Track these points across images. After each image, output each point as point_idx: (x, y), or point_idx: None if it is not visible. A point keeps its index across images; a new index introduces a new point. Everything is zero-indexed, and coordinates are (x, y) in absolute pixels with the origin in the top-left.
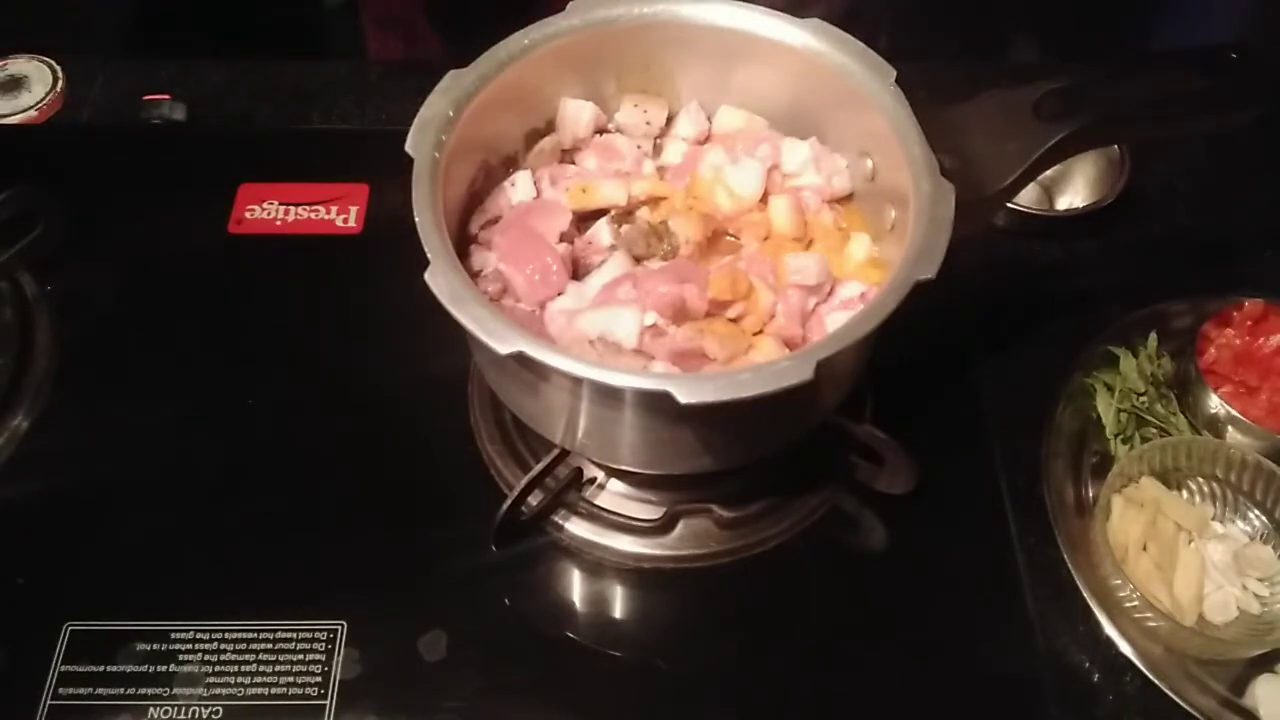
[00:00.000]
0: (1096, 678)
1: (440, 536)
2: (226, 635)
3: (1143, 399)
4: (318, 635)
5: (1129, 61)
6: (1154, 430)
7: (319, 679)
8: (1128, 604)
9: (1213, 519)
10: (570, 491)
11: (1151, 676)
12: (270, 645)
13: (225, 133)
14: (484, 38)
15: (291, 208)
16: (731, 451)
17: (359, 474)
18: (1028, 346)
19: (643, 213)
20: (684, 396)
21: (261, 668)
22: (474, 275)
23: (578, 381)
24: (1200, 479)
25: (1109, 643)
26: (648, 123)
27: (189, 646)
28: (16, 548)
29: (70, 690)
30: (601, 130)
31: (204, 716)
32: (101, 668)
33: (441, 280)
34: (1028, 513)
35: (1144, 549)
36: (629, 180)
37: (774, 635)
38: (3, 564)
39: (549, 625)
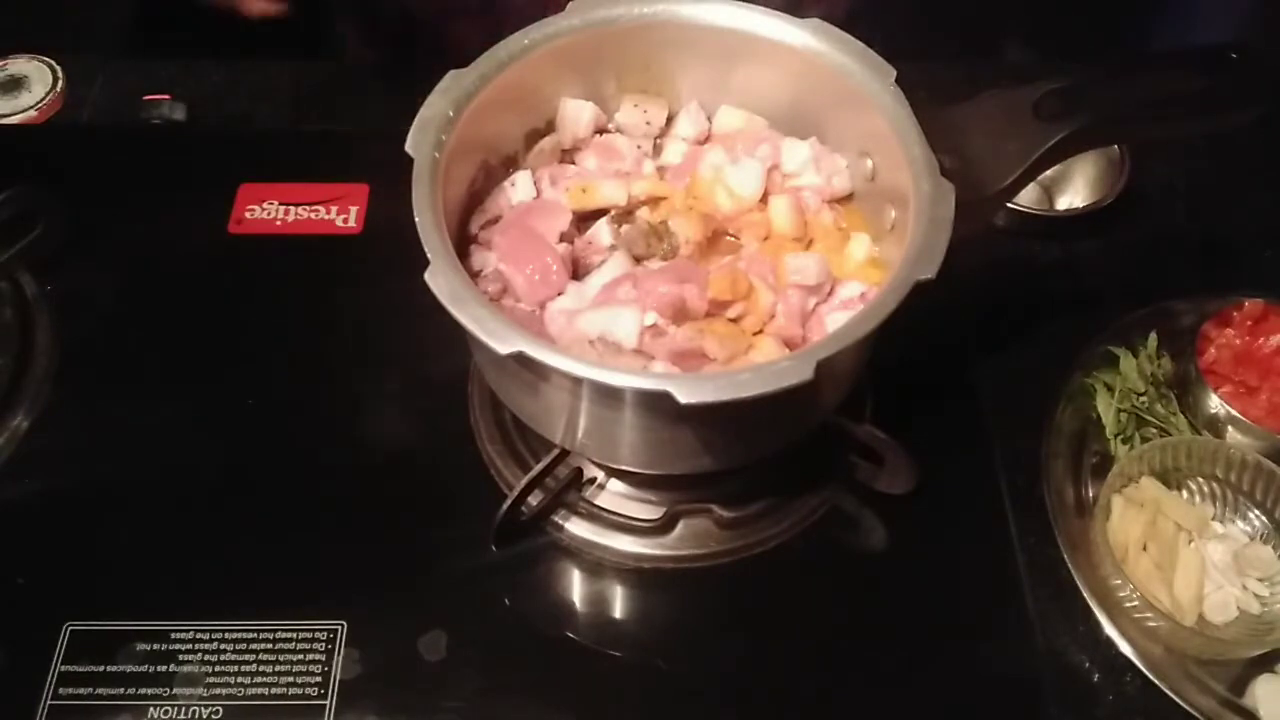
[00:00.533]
0: (1096, 678)
1: (440, 536)
2: (226, 635)
3: (1143, 399)
4: (318, 635)
5: (1129, 61)
6: (1154, 430)
7: (319, 679)
8: (1128, 604)
9: (1213, 519)
10: (570, 491)
11: (1151, 676)
12: (270, 645)
13: (225, 133)
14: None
15: (291, 208)
16: (731, 451)
17: (359, 474)
18: (1028, 346)
19: (643, 213)
20: (684, 396)
21: (261, 668)
22: (474, 275)
23: (578, 381)
24: (1200, 479)
25: (1109, 643)
26: (648, 123)
27: (189, 646)
28: (16, 548)
29: (70, 690)
30: (601, 130)
31: (204, 716)
32: (101, 668)
33: (441, 280)
34: (1028, 513)
35: (1144, 549)
36: (629, 180)
37: (774, 635)
38: (3, 564)
39: (549, 625)
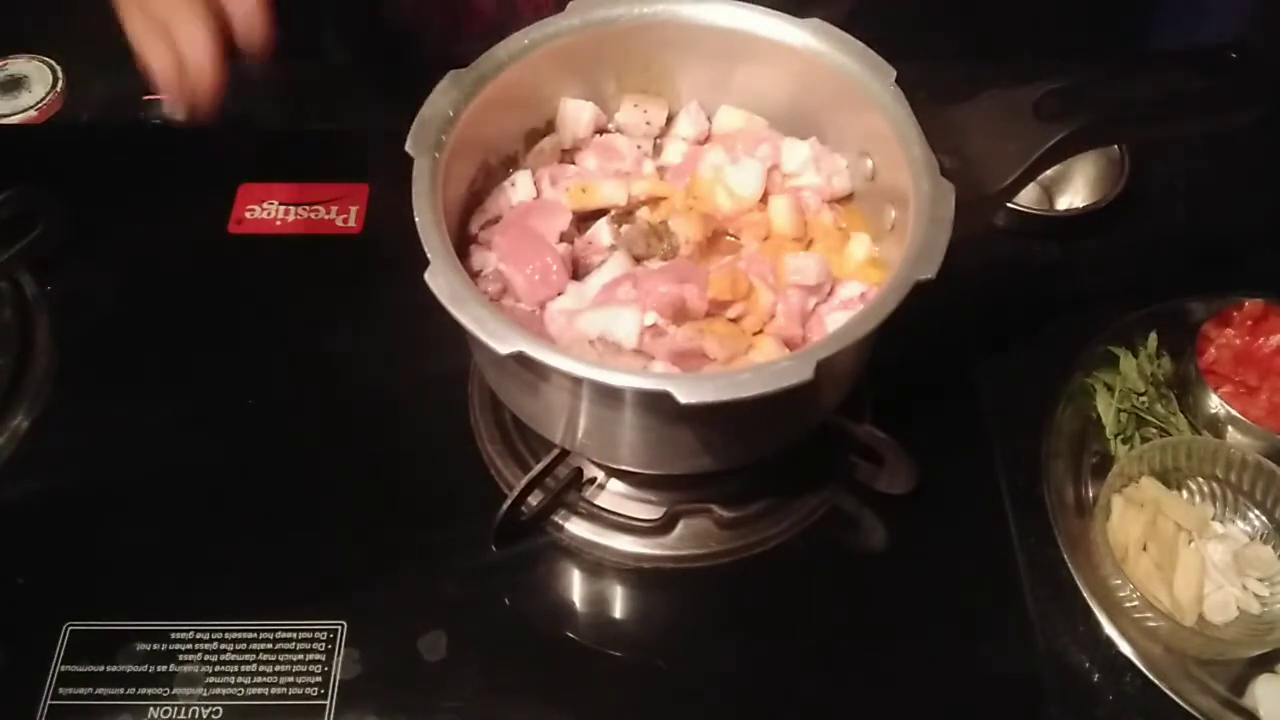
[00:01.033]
0: (1096, 678)
1: (440, 536)
2: (226, 635)
3: (1143, 399)
4: (318, 635)
5: (1129, 61)
6: (1154, 430)
7: (319, 679)
8: (1128, 604)
9: (1213, 519)
10: (570, 491)
11: (1151, 676)
12: (270, 645)
13: (225, 133)
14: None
15: (291, 208)
16: (731, 451)
17: (359, 474)
18: (1028, 346)
19: (643, 213)
20: (684, 396)
21: (261, 668)
22: (474, 275)
23: (578, 381)
24: (1200, 479)
25: (1109, 643)
26: (648, 123)
27: (189, 646)
28: (16, 548)
29: (70, 690)
30: (601, 130)
31: (204, 716)
32: (101, 668)
33: (441, 280)
34: (1028, 513)
35: (1144, 549)
36: (629, 180)
37: (774, 635)
38: (3, 564)
39: (549, 625)
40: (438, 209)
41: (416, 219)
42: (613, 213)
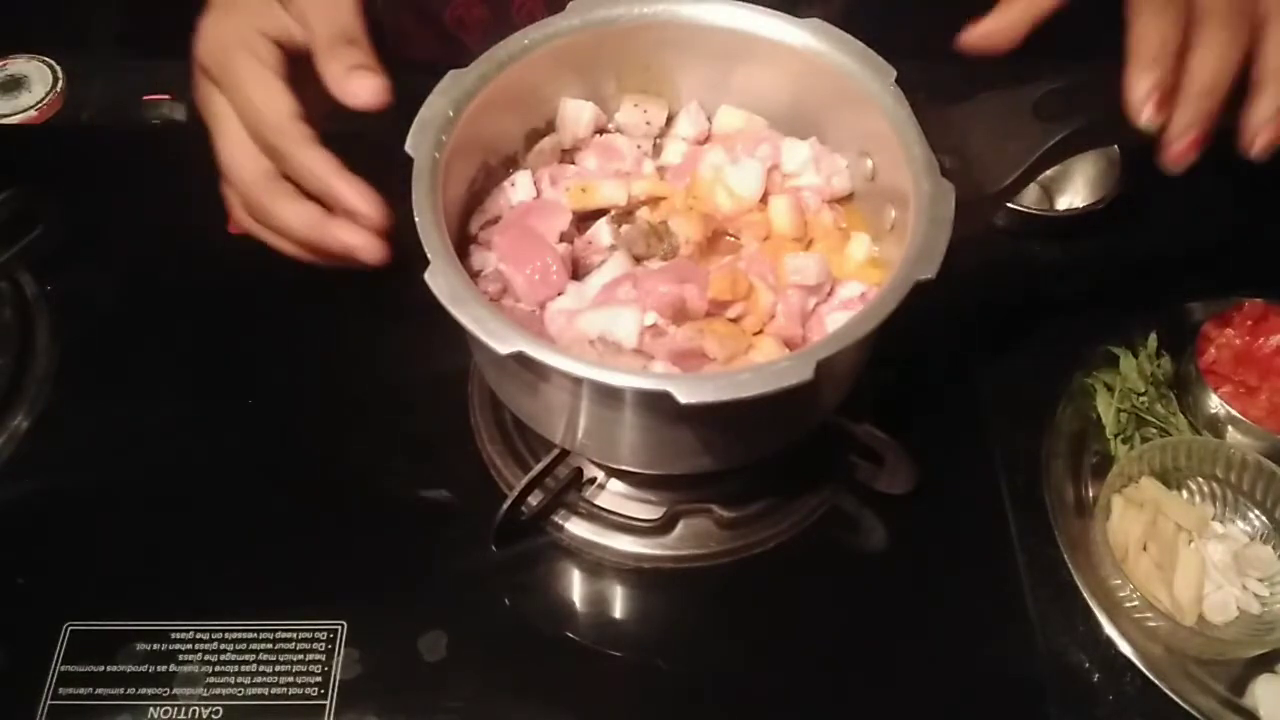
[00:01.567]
0: (1096, 678)
1: (440, 536)
2: (226, 635)
3: (1143, 399)
4: (318, 635)
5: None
6: (1154, 430)
7: (319, 679)
8: (1128, 604)
9: (1213, 519)
10: (570, 491)
11: (1151, 676)
12: (270, 645)
13: None
14: None
15: None
16: (731, 451)
17: (359, 474)
18: (1028, 346)
19: (643, 213)
20: (684, 396)
21: (261, 668)
22: (474, 275)
23: (577, 381)
24: (1200, 479)
25: (1109, 643)
26: (648, 123)
27: (189, 646)
28: (16, 548)
29: (70, 690)
30: (601, 130)
31: (204, 716)
32: (101, 668)
33: (441, 280)
34: (1028, 513)
35: (1144, 549)
36: (629, 180)
37: (774, 635)
38: (3, 564)
39: (549, 625)
40: (438, 209)
41: (416, 219)
42: (613, 213)
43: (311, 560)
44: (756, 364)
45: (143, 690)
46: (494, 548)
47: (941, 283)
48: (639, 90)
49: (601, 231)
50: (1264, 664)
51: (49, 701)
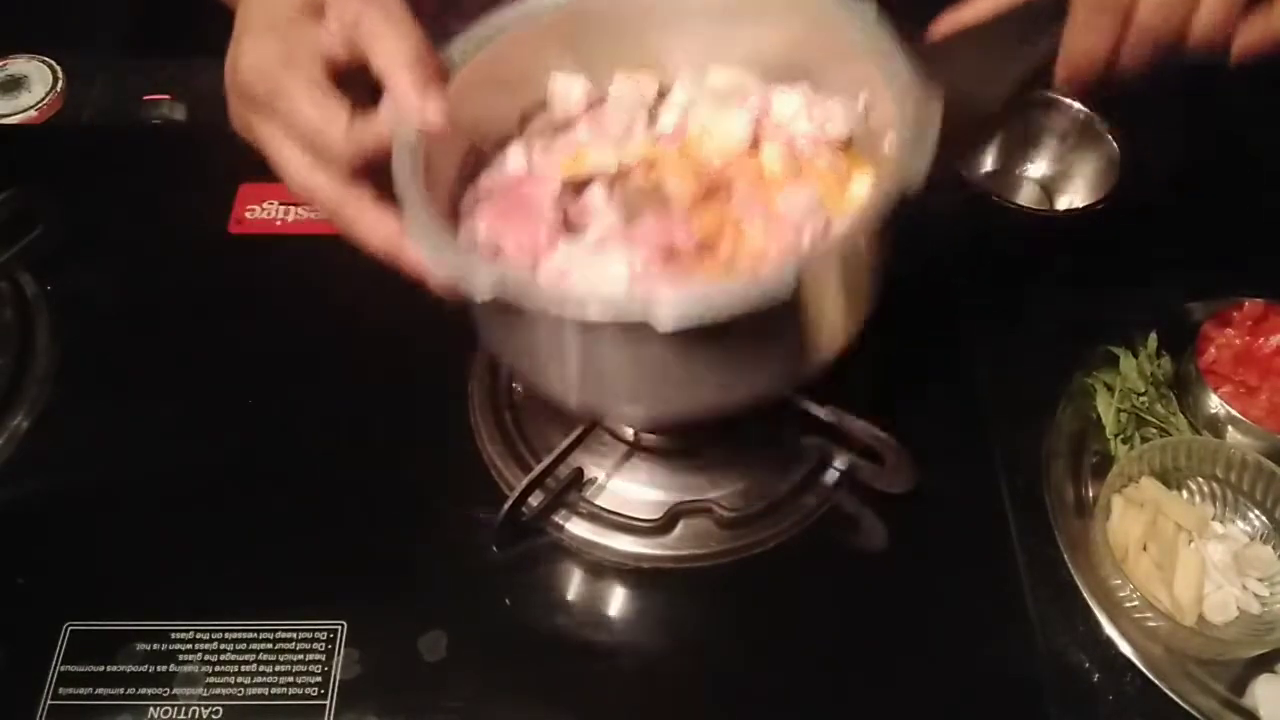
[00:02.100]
0: (1096, 678)
1: (440, 536)
2: (226, 635)
3: (1143, 399)
4: (318, 635)
5: None
6: (1154, 430)
7: (319, 679)
8: (1128, 604)
9: (1213, 519)
10: (571, 492)
11: (1151, 676)
12: (270, 645)
13: (225, 133)
14: None
15: (291, 208)
16: (728, 386)
17: (359, 474)
18: (1028, 346)
19: (636, 176)
20: (665, 312)
21: (261, 668)
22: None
23: (562, 310)
24: (1200, 479)
25: (1109, 643)
26: (641, 94)
27: (189, 646)
28: (16, 548)
29: (70, 690)
30: (593, 104)
31: (204, 716)
32: (101, 668)
33: (421, 231)
34: (1028, 513)
35: (1144, 549)
36: (621, 146)
37: (774, 635)
38: (3, 564)
39: (549, 625)
40: (418, 174)
41: (395, 178)
42: (605, 178)
43: (311, 560)
44: (737, 277)
45: (143, 690)
46: (494, 548)
47: (942, 282)
48: (629, 62)
49: (595, 197)
50: (1264, 664)
51: (49, 701)
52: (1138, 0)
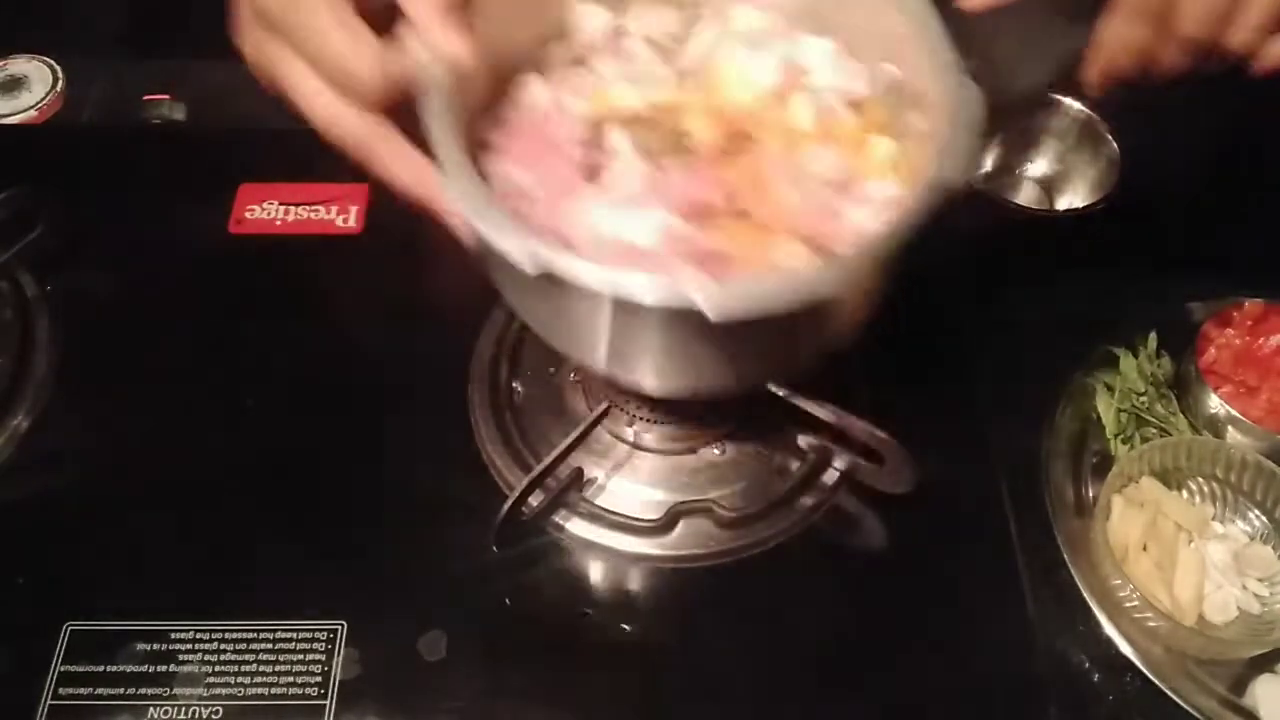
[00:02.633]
0: (1096, 678)
1: (440, 536)
2: (226, 635)
3: (1143, 399)
4: (318, 635)
5: None
6: (1154, 430)
7: (319, 679)
8: (1128, 604)
9: (1213, 519)
10: (571, 491)
11: (1151, 676)
12: (270, 645)
13: (225, 133)
14: None
15: (291, 208)
16: (751, 367)
17: (359, 474)
18: (1028, 346)
19: (659, 116)
20: (713, 310)
21: (261, 668)
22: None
23: (602, 294)
24: (1200, 479)
25: (1109, 643)
26: (664, 28)
27: (189, 646)
28: (16, 548)
29: (70, 690)
30: (615, 36)
31: (204, 716)
32: (101, 668)
33: (460, 191)
34: (1028, 513)
35: (1144, 549)
36: (644, 85)
37: (774, 635)
38: (3, 564)
39: (549, 625)
40: (453, 123)
41: (430, 131)
42: (628, 117)
43: (311, 560)
44: (784, 271)
45: (143, 690)
46: (495, 548)
47: (942, 282)
48: None
49: (617, 137)
50: (1264, 664)
51: (49, 701)
52: (1178, 3)
